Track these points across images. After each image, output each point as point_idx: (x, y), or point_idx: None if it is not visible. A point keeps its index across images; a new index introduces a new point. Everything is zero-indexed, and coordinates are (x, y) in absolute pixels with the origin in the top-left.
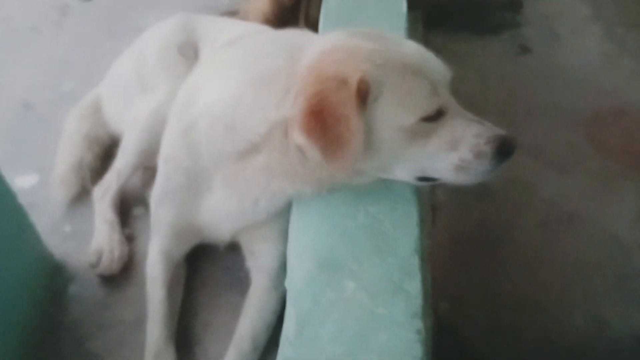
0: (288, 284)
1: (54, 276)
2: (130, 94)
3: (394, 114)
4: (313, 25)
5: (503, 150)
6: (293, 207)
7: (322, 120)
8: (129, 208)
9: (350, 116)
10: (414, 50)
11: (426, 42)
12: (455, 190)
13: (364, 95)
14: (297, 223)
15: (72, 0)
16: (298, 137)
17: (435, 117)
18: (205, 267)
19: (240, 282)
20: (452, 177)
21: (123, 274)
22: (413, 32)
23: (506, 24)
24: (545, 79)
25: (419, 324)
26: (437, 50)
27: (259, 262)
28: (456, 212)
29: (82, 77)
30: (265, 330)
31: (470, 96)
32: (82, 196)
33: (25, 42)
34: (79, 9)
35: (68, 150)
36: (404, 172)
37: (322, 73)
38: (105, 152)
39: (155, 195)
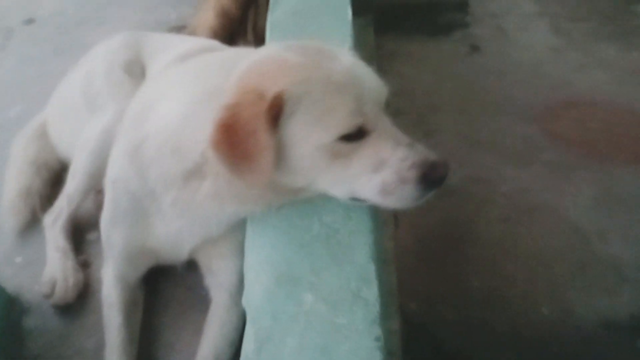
0: (246, 300)
1: (8, 310)
2: (77, 115)
3: (310, 131)
4: (261, 38)
5: (429, 176)
6: (248, 223)
7: (232, 134)
8: (82, 233)
9: (259, 131)
10: (345, 66)
11: (379, 46)
12: None
13: (276, 110)
14: (253, 238)
15: (15, 23)
16: (208, 151)
17: (357, 136)
18: (167, 288)
19: (203, 301)
20: (379, 200)
21: (79, 302)
22: (364, 37)
23: (456, 24)
24: (497, 76)
25: (377, 330)
26: (391, 53)
27: (217, 279)
28: (419, 212)
29: (28, 99)
30: (228, 347)
31: (427, 96)
32: (32, 224)
33: None
34: (23, 32)
35: (15, 177)
36: (336, 191)
37: (244, 86)
38: (55, 177)
39: (105, 219)
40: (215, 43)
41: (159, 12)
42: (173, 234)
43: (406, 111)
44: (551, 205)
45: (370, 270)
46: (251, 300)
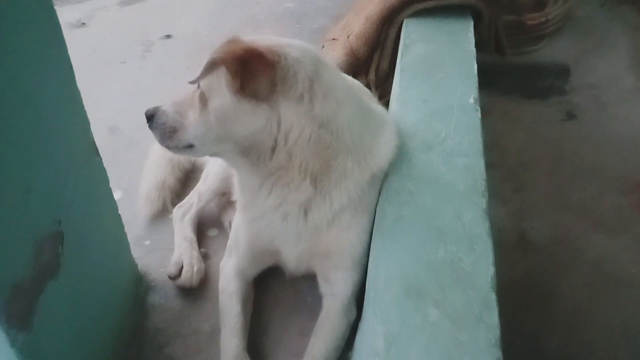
0: (374, 304)
1: (137, 285)
2: None
3: None
4: (380, 78)
5: None
6: (376, 239)
7: None
8: (204, 229)
9: None
10: None
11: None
12: (500, 244)
13: None
14: (381, 254)
15: (155, 38)
16: None
17: None
18: (276, 288)
19: (308, 305)
20: None
21: (199, 288)
22: None
23: (554, 90)
24: (592, 145)
25: (498, 353)
26: (487, 109)
27: (333, 289)
28: (501, 266)
29: None
30: (336, 352)
31: (519, 153)
32: (161, 214)
33: (114, 73)
34: (162, 45)
35: (153, 172)
36: None
37: None
38: (185, 176)
39: (238, 217)
40: (354, 80)
41: None
42: (285, 234)
43: (497, 165)
44: (638, 279)
45: (492, 298)
46: (381, 304)
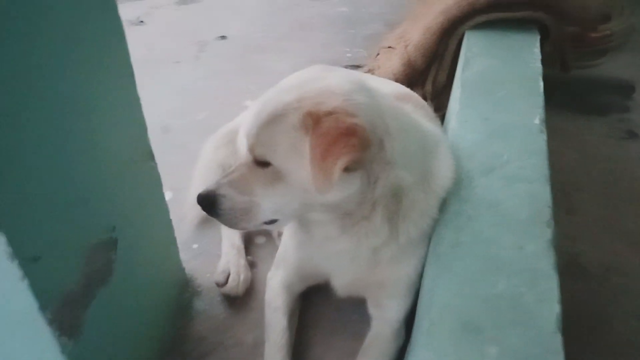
0: (429, 335)
1: (183, 290)
2: None
3: None
4: (437, 90)
5: None
6: (431, 264)
7: None
8: (252, 237)
9: None
10: None
11: None
12: None
13: None
14: (436, 282)
15: (210, 38)
16: None
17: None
18: (319, 305)
19: (352, 325)
20: None
21: (244, 297)
22: None
23: (614, 106)
24: None
25: None
26: None
27: (384, 314)
28: None
29: (215, 107)
30: None
31: (572, 173)
32: (209, 219)
33: (168, 73)
34: (215, 47)
35: (203, 175)
36: None
37: None
38: None
39: (288, 230)
40: (410, 91)
41: (335, 50)
42: (341, 260)
43: None
44: None
45: (557, 340)
46: (435, 337)
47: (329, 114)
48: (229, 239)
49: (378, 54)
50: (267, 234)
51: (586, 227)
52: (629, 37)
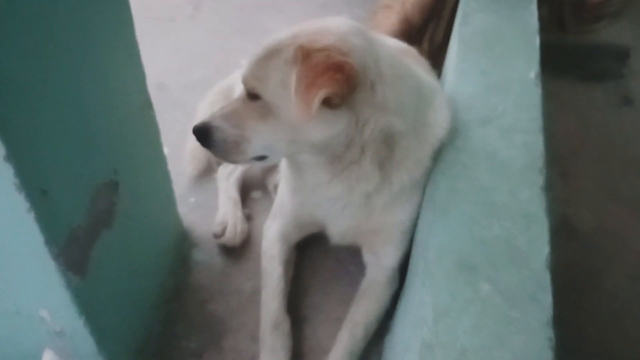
0: (424, 276)
1: (181, 241)
2: None
3: None
4: (435, 48)
5: None
6: (427, 210)
7: None
8: (248, 191)
9: None
10: None
11: None
12: None
13: None
14: (434, 225)
15: None
16: None
17: None
18: (317, 255)
19: (349, 274)
20: None
21: (241, 249)
22: None
23: (611, 73)
24: None
25: (550, 332)
26: None
27: (379, 260)
28: None
29: (211, 66)
30: (376, 321)
31: (567, 138)
32: (206, 173)
33: (163, 31)
34: (211, 5)
35: None
36: None
37: None
38: None
39: (284, 180)
40: (408, 46)
41: (332, 10)
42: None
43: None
44: None
45: (546, 278)
46: (431, 276)
47: (321, 50)
48: (226, 192)
49: (376, 13)
50: (264, 188)
51: (580, 190)
52: (628, 3)
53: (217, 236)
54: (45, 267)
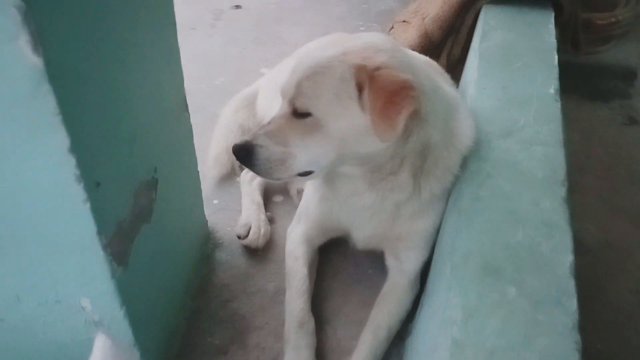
0: (452, 279)
1: (206, 240)
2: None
3: None
4: (452, 63)
5: None
6: (452, 216)
7: None
8: (270, 194)
9: None
10: None
11: None
12: None
13: None
14: (460, 231)
15: (225, 7)
16: None
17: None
18: (337, 259)
19: (369, 278)
20: None
21: (264, 250)
22: None
23: (617, 93)
24: None
25: (577, 336)
26: None
27: (402, 265)
28: None
29: (231, 73)
30: (398, 323)
31: (573, 155)
32: (229, 176)
33: (184, 38)
34: (231, 15)
35: (223, 136)
36: None
37: None
38: None
39: (310, 185)
40: (430, 59)
41: (348, 23)
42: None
43: None
44: None
45: (571, 284)
46: (459, 279)
47: (378, 69)
48: (249, 195)
49: (392, 28)
50: (285, 193)
51: (587, 205)
52: (634, 25)
53: (241, 237)
54: (92, 256)
